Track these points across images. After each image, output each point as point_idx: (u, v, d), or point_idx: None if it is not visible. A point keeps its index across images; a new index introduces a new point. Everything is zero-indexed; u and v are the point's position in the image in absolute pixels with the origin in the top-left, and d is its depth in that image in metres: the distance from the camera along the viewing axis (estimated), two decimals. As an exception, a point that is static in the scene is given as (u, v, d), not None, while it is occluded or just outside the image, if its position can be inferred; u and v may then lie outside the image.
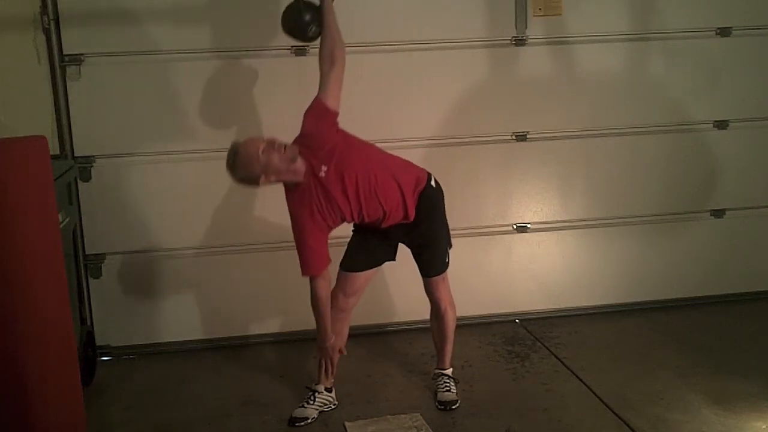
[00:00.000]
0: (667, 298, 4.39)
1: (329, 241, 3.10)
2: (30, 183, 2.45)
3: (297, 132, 3.08)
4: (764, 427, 3.04)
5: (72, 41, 3.66)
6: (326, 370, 3.24)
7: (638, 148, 4.23)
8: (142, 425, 3.23)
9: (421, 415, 3.19)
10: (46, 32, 3.62)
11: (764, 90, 4.29)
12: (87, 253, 3.85)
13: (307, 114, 3.06)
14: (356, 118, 3.80)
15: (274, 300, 4.01)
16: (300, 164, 2.96)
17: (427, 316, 3.41)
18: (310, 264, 3.03)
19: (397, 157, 3.21)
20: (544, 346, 3.91)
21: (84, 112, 3.73)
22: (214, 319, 4.02)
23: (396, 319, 4.15)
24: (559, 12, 4.02)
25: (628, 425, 3.08)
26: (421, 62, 3.94)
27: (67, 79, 3.69)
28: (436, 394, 3.34)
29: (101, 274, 3.89)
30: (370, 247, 3.24)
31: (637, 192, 4.28)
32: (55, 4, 3.60)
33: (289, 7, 3.23)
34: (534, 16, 4.00)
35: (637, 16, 4.10)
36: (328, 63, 3.07)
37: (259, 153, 2.87)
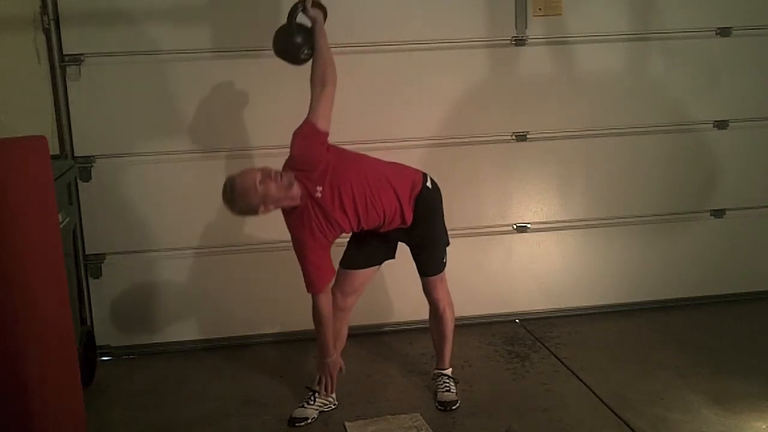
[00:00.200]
0: (667, 298, 4.39)
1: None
2: (30, 183, 2.45)
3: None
4: (764, 427, 3.04)
5: (72, 41, 3.66)
6: (325, 386, 3.24)
7: (638, 148, 4.23)
8: (142, 425, 3.23)
9: (421, 415, 3.19)
10: (46, 32, 3.62)
11: (764, 90, 4.29)
12: (87, 253, 3.85)
13: (297, 135, 3.06)
14: (356, 119, 3.83)
15: (274, 300, 4.01)
16: (296, 189, 2.97)
17: (427, 316, 3.41)
18: (313, 282, 3.06)
19: (391, 163, 3.22)
20: (544, 346, 3.91)
21: (84, 112, 3.73)
22: (214, 319, 4.02)
23: (396, 319, 4.15)
24: (559, 12, 4.02)
25: (628, 425, 3.08)
26: (421, 62, 3.94)
27: (67, 79, 3.69)
28: (436, 394, 3.34)
29: (101, 274, 3.89)
30: (370, 246, 3.25)
31: (637, 192, 4.28)
32: (55, 4, 3.60)
33: (280, 30, 3.21)
34: (534, 16, 4.00)
35: (637, 16, 4.10)
36: (320, 85, 3.08)
37: (256, 184, 2.89)
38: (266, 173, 2.92)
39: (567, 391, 3.41)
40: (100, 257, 3.87)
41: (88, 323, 3.84)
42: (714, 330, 4.04)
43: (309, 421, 3.18)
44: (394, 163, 3.23)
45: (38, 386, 2.38)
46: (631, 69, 4.16)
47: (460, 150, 4.05)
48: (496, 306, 4.24)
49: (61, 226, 3.05)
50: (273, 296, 4.01)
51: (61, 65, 3.66)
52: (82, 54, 3.68)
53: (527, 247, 4.24)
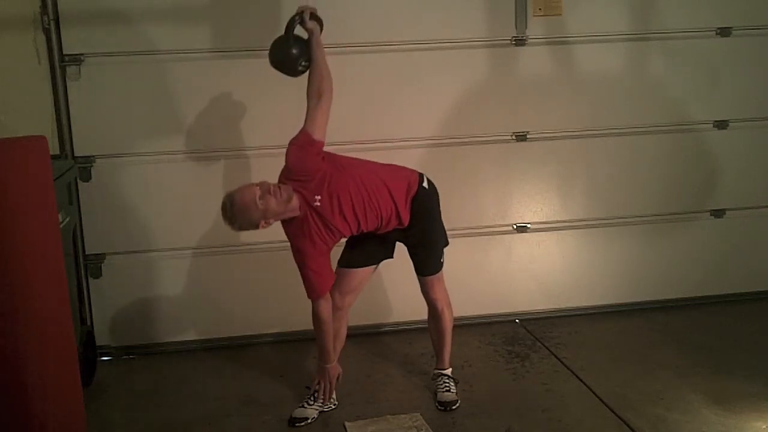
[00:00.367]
0: (667, 298, 4.39)
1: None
2: (30, 183, 2.45)
3: (296, 130, 3.08)
4: (764, 427, 3.04)
5: (72, 41, 3.66)
6: (324, 391, 3.24)
7: (638, 148, 4.23)
8: (142, 425, 3.23)
9: (421, 415, 3.19)
10: (46, 32, 3.62)
11: (764, 90, 4.29)
12: (87, 253, 3.85)
13: (292, 145, 3.07)
14: (356, 119, 3.83)
15: (274, 300, 4.01)
16: (295, 201, 2.99)
17: (427, 316, 3.41)
18: (314, 288, 3.08)
19: (386, 165, 3.23)
20: (544, 346, 3.91)
21: (84, 112, 3.73)
22: (214, 319, 4.02)
23: (395, 319, 4.15)
24: (559, 12, 4.02)
25: (628, 425, 3.08)
26: (421, 62, 3.94)
27: (67, 79, 3.69)
28: (435, 394, 3.34)
29: (101, 274, 3.89)
30: (368, 246, 3.25)
31: (637, 192, 4.28)
32: (55, 4, 3.60)
33: (277, 41, 3.20)
34: (534, 16, 4.00)
35: (637, 16, 4.10)
36: (316, 97, 3.08)
37: (256, 200, 2.90)
38: (265, 189, 2.92)
39: (567, 391, 3.41)
40: (100, 257, 3.87)
41: (88, 323, 3.84)
42: (714, 330, 4.04)
43: (309, 421, 3.18)
44: (390, 164, 3.24)
45: (38, 386, 2.38)
46: (631, 69, 4.16)
47: (459, 150, 4.05)
48: (496, 306, 4.24)
49: (61, 226, 3.05)
50: (273, 296, 4.01)
51: (61, 65, 3.66)
52: (82, 54, 3.68)
53: (527, 247, 4.24)
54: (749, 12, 4.19)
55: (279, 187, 2.96)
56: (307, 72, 3.16)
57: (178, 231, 3.91)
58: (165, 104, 3.79)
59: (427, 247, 3.24)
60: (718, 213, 4.38)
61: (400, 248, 3.30)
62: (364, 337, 4.01)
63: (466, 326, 4.04)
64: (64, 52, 3.66)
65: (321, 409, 3.25)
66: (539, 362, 3.72)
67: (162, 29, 3.72)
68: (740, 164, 4.35)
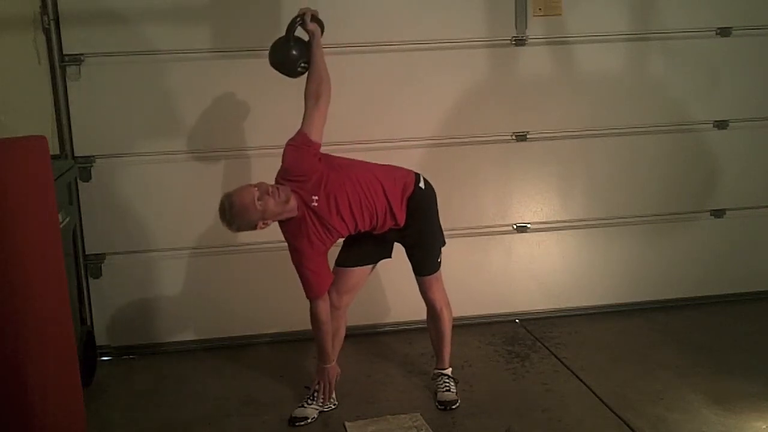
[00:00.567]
0: (667, 298, 4.38)
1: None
2: (30, 183, 2.45)
3: (296, 131, 3.08)
4: (764, 427, 3.04)
5: (72, 41, 3.66)
6: (323, 391, 3.24)
7: (638, 148, 4.23)
8: (142, 425, 3.23)
9: (421, 415, 3.19)
10: (46, 32, 3.62)
11: (764, 90, 4.29)
12: (87, 253, 3.85)
13: (289, 146, 3.08)
14: (356, 119, 3.83)
15: (274, 300, 4.01)
16: (293, 201, 2.99)
17: (426, 316, 3.41)
18: (312, 288, 3.09)
19: (383, 165, 3.23)
20: (544, 346, 3.91)
21: (84, 112, 3.73)
22: (214, 319, 4.02)
23: (395, 320, 4.15)
24: (559, 12, 4.01)
25: (628, 425, 3.08)
26: (421, 62, 3.94)
27: (67, 79, 3.69)
28: (436, 394, 3.34)
29: (101, 274, 3.89)
30: (366, 245, 3.26)
31: (637, 192, 4.28)
32: (55, 4, 3.60)
33: (277, 42, 3.21)
34: (534, 16, 4.00)
35: (637, 16, 4.10)
36: (314, 98, 3.09)
37: (254, 201, 2.90)
38: (264, 190, 2.93)
39: (567, 391, 3.41)
40: (100, 257, 3.87)
41: (88, 323, 3.84)
42: (714, 330, 4.04)
43: (309, 420, 3.18)
44: (386, 165, 3.24)
45: (38, 386, 2.38)
46: (631, 69, 4.16)
47: (459, 150, 4.05)
48: (496, 306, 4.24)
49: (61, 226, 3.05)
50: (273, 296, 4.01)
51: (61, 65, 3.66)
52: (82, 54, 3.68)
53: (527, 247, 4.24)
54: (749, 12, 4.19)
55: (277, 188, 2.96)
56: (306, 73, 3.17)
57: (178, 231, 3.91)
58: (165, 104, 3.79)
59: (424, 248, 3.24)
60: (718, 213, 4.38)
61: (399, 248, 3.30)
62: (364, 337, 4.01)
63: (466, 326, 4.04)
64: (64, 52, 3.66)
65: (321, 409, 3.25)
66: (539, 362, 3.72)
67: (162, 29, 3.72)
68: (740, 164, 4.35)
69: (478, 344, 3.96)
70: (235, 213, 2.93)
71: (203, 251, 3.95)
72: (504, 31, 3.99)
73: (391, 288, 4.08)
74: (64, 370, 2.67)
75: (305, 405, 3.23)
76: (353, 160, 3.21)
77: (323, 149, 3.13)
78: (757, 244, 4.46)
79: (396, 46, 3.91)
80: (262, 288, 4.01)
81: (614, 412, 3.18)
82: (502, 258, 4.22)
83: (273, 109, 3.78)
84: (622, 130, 4.19)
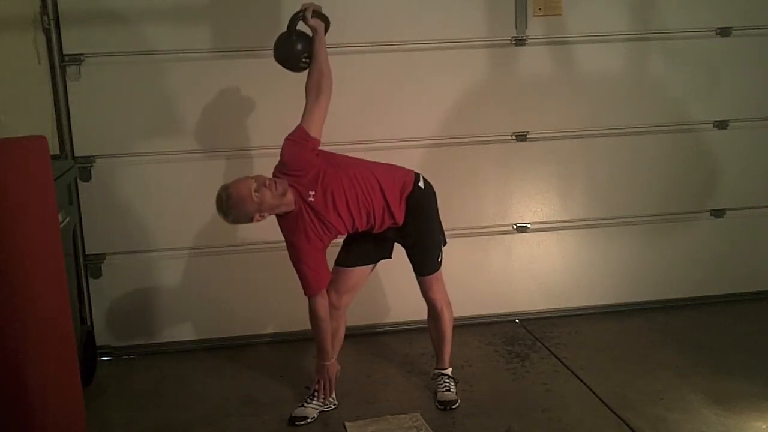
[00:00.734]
0: (667, 298, 4.38)
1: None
2: (30, 183, 2.45)
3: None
4: (764, 427, 3.04)
5: (72, 41, 3.66)
6: (324, 389, 3.24)
7: (638, 148, 4.23)
8: (142, 425, 3.23)
9: (421, 415, 3.19)
10: (46, 32, 3.62)
11: (764, 90, 4.29)
12: (87, 253, 3.85)
13: (288, 140, 3.08)
14: (356, 119, 3.83)
15: (274, 300, 4.01)
16: (290, 195, 2.99)
17: (426, 316, 3.41)
18: (310, 285, 3.08)
19: (382, 164, 3.23)
20: (544, 346, 3.91)
21: (84, 112, 3.73)
22: (214, 319, 4.02)
23: (395, 320, 4.15)
24: (559, 12, 4.02)
25: (628, 425, 3.08)
26: (421, 62, 3.94)
27: (67, 79, 3.69)
28: (435, 394, 3.34)
29: (101, 274, 3.89)
30: (365, 245, 3.26)
31: (637, 192, 4.28)
32: (55, 4, 3.60)
33: (281, 37, 3.22)
34: (534, 16, 4.00)
35: (637, 16, 4.10)
36: (315, 93, 3.09)
37: (251, 193, 2.90)
38: (261, 182, 2.93)
39: (567, 391, 3.41)
40: (100, 257, 3.87)
41: (88, 323, 3.84)
42: (714, 330, 4.04)
43: (309, 420, 3.18)
44: (386, 164, 3.24)
45: (38, 386, 2.38)
46: (631, 69, 4.16)
47: (459, 150, 4.05)
48: (496, 306, 4.24)
49: (61, 226, 3.05)
50: (273, 296, 4.01)
51: (61, 65, 3.66)
52: (82, 54, 3.68)
53: (527, 247, 4.24)
54: (749, 12, 4.19)
55: (274, 181, 2.97)
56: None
57: (178, 231, 3.91)
58: (165, 104, 3.79)
59: (424, 247, 3.24)
60: (718, 213, 4.38)
61: (399, 248, 3.30)
62: (364, 337, 4.01)
63: (466, 326, 4.04)
64: (64, 52, 3.66)
65: (321, 408, 3.25)
66: (539, 362, 3.72)
67: (162, 29, 3.72)
68: (740, 164, 4.35)
69: (478, 344, 3.96)
70: (231, 204, 2.94)
71: (203, 251, 3.95)
72: (504, 31, 3.99)
73: (390, 288, 4.08)
74: (64, 370, 2.67)
75: (305, 404, 3.23)
76: (352, 157, 3.22)
77: (323, 149, 3.13)
78: (757, 244, 4.46)
79: (396, 46, 3.91)
80: (262, 288, 4.01)
81: (614, 412, 3.18)
82: (502, 258, 4.22)
83: (273, 108, 3.78)
84: (622, 130, 4.19)
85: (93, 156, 3.78)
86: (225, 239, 3.93)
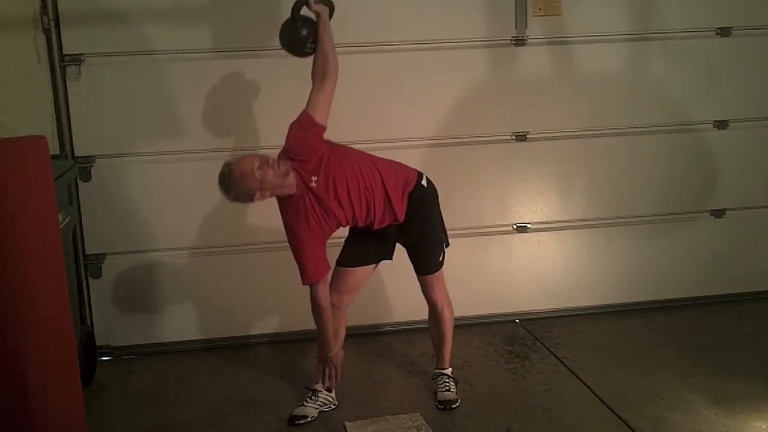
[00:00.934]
0: (667, 298, 4.38)
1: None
2: (30, 183, 2.45)
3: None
4: (764, 427, 3.04)
5: (72, 41, 3.66)
6: (330, 378, 3.24)
7: (638, 148, 4.23)
8: (142, 425, 3.23)
9: (421, 415, 3.19)
10: (46, 32, 3.62)
11: (764, 90, 4.29)
12: (87, 253, 3.85)
13: (293, 126, 3.08)
14: (356, 119, 3.83)
15: (274, 300, 4.01)
16: (292, 177, 2.99)
17: (427, 316, 3.41)
18: (309, 272, 3.06)
19: (387, 160, 3.22)
20: (544, 346, 3.91)
21: (84, 112, 3.73)
22: (214, 319, 4.02)
23: (396, 320, 4.15)
24: (559, 12, 4.02)
25: (628, 425, 3.08)
26: (421, 62, 3.94)
27: (67, 79, 3.69)
28: (435, 394, 3.34)
29: (101, 274, 3.89)
30: (366, 244, 3.25)
31: (637, 192, 4.28)
32: (55, 4, 3.60)
33: (286, 22, 3.23)
34: (534, 16, 4.00)
35: (637, 16, 4.10)
36: (320, 79, 3.09)
37: (254, 170, 2.90)
38: (264, 160, 2.93)
39: (567, 391, 3.41)
40: (100, 257, 3.87)
41: (88, 323, 3.84)
42: (714, 330, 4.04)
43: (309, 419, 3.18)
44: (390, 160, 3.24)
45: (38, 386, 2.38)
46: (631, 69, 4.16)
47: (460, 150, 4.05)
48: (496, 306, 4.24)
49: (61, 226, 3.05)
50: (273, 296, 4.01)
51: (61, 65, 3.66)
52: (82, 54, 3.68)
53: (527, 247, 4.24)
54: (749, 12, 4.19)
55: (277, 161, 2.97)
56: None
57: (178, 231, 3.91)
58: (165, 104, 3.79)
59: (425, 246, 3.24)
60: (718, 213, 4.38)
61: (400, 250, 3.30)
62: (364, 337, 4.01)
63: (466, 326, 4.04)
64: (64, 52, 3.66)
65: (321, 408, 3.25)
66: (539, 362, 3.72)
67: (162, 29, 3.72)
68: (740, 164, 4.35)
69: (478, 344, 3.96)
70: (233, 180, 2.93)
71: (203, 251, 3.95)
72: (504, 31, 3.99)
73: (391, 288, 4.08)
74: (64, 370, 2.67)
75: (305, 404, 3.23)
76: (357, 150, 3.21)
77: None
78: (757, 244, 4.46)
79: (396, 46, 3.91)
80: (262, 288, 4.01)
81: (614, 412, 3.18)
82: (502, 258, 4.22)
83: (273, 109, 3.77)
84: (622, 130, 4.19)
85: (93, 156, 3.78)
86: (225, 239, 3.94)
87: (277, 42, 3.70)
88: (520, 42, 4.01)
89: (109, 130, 3.77)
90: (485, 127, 4.07)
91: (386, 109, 3.94)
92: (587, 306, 4.33)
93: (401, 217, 3.13)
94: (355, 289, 3.30)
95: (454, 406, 3.26)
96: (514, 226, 4.21)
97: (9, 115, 3.61)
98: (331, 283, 3.21)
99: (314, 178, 3.01)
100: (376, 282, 3.92)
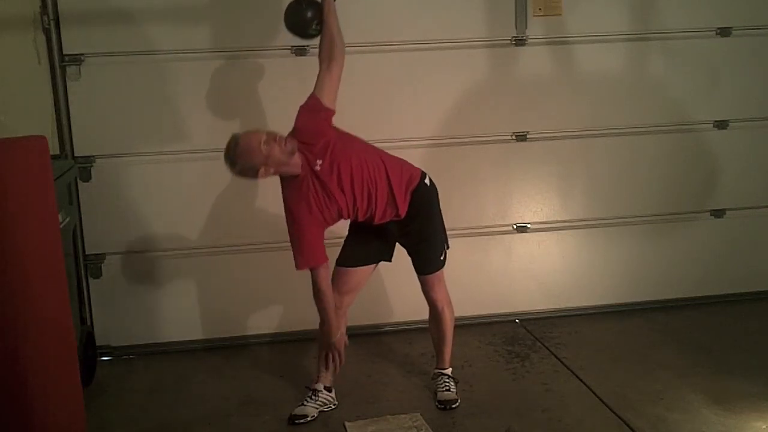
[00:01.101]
0: (667, 298, 4.38)
1: (326, 240, 3.10)
2: (30, 183, 2.45)
3: (297, 132, 3.09)
4: (764, 427, 3.04)
5: (72, 41, 3.66)
6: (334, 363, 3.22)
7: (638, 148, 4.23)
8: (142, 425, 3.23)
9: (421, 415, 3.19)
10: (46, 32, 3.62)
11: (764, 90, 4.29)
12: (87, 253, 3.85)
13: (302, 109, 3.10)
14: (356, 118, 3.81)
15: (274, 300, 4.01)
16: (298, 157, 2.99)
17: (427, 316, 3.41)
18: (308, 256, 3.04)
19: (393, 156, 3.22)
20: (544, 346, 3.91)
21: (84, 112, 3.73)
22: (214, 319, 4.02)
23: (396, 320, 4.15)
24: (559, 12, 4.02)
25: (628, 425, 3.08)
26: (421, 62, 3.94)
27: (67, 79, 3.69)
28: (435, 394, 3.34)
29: (101, 274, 3.89)
30: (366, 244, 3.25)
31: (637, 192, 4.28)
32: (55, 4, 3.61)
33: (291, 5, 3.24)
34: (534, 16, 4.00)
35: (637, 16, 4.10)
36: (326, 61, 3.10)
37: (260, 144, 2.90)
38: (271, 136, 2.94)
39: (567, 391, 3.41)
40: (100, 257, 3.87)
41: (88, 323, 3.84)
42: (714, 330, 4.04)
43: (308, 418, 3.18)
44: (396, 156, 3.24)
45: (38, 386, 2.38)
46: (631, 69, 4.16)
47: (460, 150, 4.05)
48: (496, 306, 4.24)
49: (61, 226, 3.05)
50: (273, 296, 4.01)
51: (61, 65, 3.66)
52: (82, 54, 3.68)
53: (527, 247, 4.24)
54: (749, 12, 4.19)
55: (284, 138, 2.97)
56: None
57: (178, 231, 3.91)
58: (165, 104, 3.79)
59: (426, 245, 3.23)
60: (718, 213, 4.38)
61: (400, 249, 3.30)
62: (364, 337, 4.01)
63: (466, 326, 4.04)
64: (64, 52, 3.66)
65: (321, 408, 3.24)
66: (539, 362, 3.72)
67: (162, 29, 3.72)
68: (740, 164, 4.35)
69: (478, 344, 3.96)
70: (239, 153, 2.93)
71: (203, 251, 3.95)
72: (504, 31, 3.99)
73: (391, 288, 4.08)
74: (64, 370, 2.67)
75: (305, 403, 3.23)
76: (366, 142, 3.20)
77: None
78: (757, 244, 4.46)
79: (396, 46, 3.91)
80: (262, 288, 4.01)
81: (614, 412, 3.18)
82: (502, 258, 4.22)
83: (273, 109, 3.78)
84: (622, 130, 4.19)
85: (93, 156, 3.78)
86: (225, 239, 3.94)
87: (277, 42, 3.72)
88: (520, 42, 4.01)
89: (109, 130, 3.77)
90: (485, 127, 4.07)
91: (386, 109, 3.94)
92: (587, 306, 4.33)
93: (403, 212, 3.13)
94: (355, 289, 3.30)
95: (454, 405, 3.26)
96: (514, 226, 4.21)
97: (9, 115, 3.61)
98: (332, 280, 3.20)
99: (319, 162, 3.00)
100: (376, 282, 3.92)
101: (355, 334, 3.72)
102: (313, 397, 3.25)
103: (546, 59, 4.07)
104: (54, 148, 3.68)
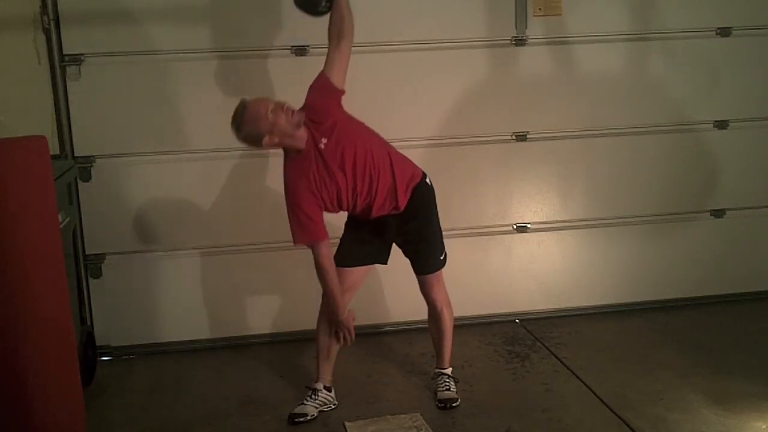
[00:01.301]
0: (667, 298, 4.38)
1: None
2: (30, 183, 2.45)
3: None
4: (764, 427, 3.04)
5: (72, 41, 3.66)
6: (345, 340, 3.20)
7: (638, 148, 4.23)
8: (142, 425, 3.24)
9: (421, 415, 3.19)
10: (46, 32, 3.62)
11: (764, 90, 4.29)
12: (87, 253, 3.85)
13: (312, 87, 3.10)
14: (357, 118, 3.82)
15: (274, 300, 4.01)
16: (303, 131, 3.00)
17: (427, 316, 3.41)
18: (307, 230, 3.01)
19: (398, 152, 3.22)
20: (544, 346, 3.91)
21: (84, 112, 3.73)
22: (214, 319, 4.02)
23: (396, 320, 4.15)
24: (559, 12, 4.02)
25: (628, 425, 3.08)
26: (421, 62, 3.94)
27: (67, 79, 3.69)
28: (435, 394, 3.34)
29: (101, 274, 3.89)
30: (363, 244, 3.24)
31: (637, 192, 4.28)
32: (55, 4, 3.61)
33: None
34: (534, 16, 4.00)
35: (637, 16, 4.10)
36: (336, 39, 3.11)
37: (267, 112, 2.92)
38: (279, 105, 2.95)
39: (567, 391, 3.41)
40: (100, 257, 3.87)
41: (88, 323, 3.84)
42: (714, 330, 4.04)
43: (308, 417, 3.18)
44: (401, 153, 3.24)
45: (38, 386, 2.38)
46: (631, 69, 4.16)
47: (460, 150, 4.05)
48: (496, 306, 4.24)
49: (61, 226, 3.05)
50: (272, 296, 4.01)
51: (61, 65, 3.66)
52: (82, 54, 3.68)
53: (527, 247, 4.24)
54: (749, 12, 4.19)
55: (292, 110, 2.98)
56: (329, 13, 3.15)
57: (178, 231, 3.91)
58: (165, 104, 3.79)
59: (425, 245, 3.23)
60: (718, 213, 4.38)
61: (396, 253, 3.29)
62: (364, 337, 3.99)
63: (466, 326, 4.04)
64: (64, 52, 3.66)
65: (321, 408, 3.24)
66: (539, 362, 3.72)
67: (162, 29, 3.72)
68: (740, 164, 4.35)
69: (478, 344, 3.96)
70: (246, 118, 2.94)
71: (203, 251, 3.95)
72: (504, 31, 3.99)
73: (391, 288, 4.08)
74: (64, 370, 2.67)
75: (305, 403, 3.23)
76: (375, 133, 3.19)
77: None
78: (757, 244, 4.46)
79: (396, 46, 3.91)
80: (262, 288, 4.01)
81: (614, 412, 3.18)
82: (502, 258, 4.22)
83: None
84: (622, 130, 4.19)
85: (93, 156, 3.78)
86: (225, 239, 3.94)
87: (277, 42, 3.72)
88: (520, 42, 4.01)
89: (109, 130, 3.77)
90: (485, 127, 4.07)
91: (386, 109, 3.93)
92: (587, 306, 4.33)
93: (402, 205, 3.12)
94: (351, 289, 3.28)
95: (454, 405, 3.26)
96: (514, 226, 4.21)
97: (9, 115, 3.61)
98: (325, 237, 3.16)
99: (324, 140, 3.01)
100: (376, 282, 3.92)
101: (356, 333, 3.71)
102: (313, 396, 3.25)
103: (546, 59, 4.07)
104: (54, 148, 3.68)
